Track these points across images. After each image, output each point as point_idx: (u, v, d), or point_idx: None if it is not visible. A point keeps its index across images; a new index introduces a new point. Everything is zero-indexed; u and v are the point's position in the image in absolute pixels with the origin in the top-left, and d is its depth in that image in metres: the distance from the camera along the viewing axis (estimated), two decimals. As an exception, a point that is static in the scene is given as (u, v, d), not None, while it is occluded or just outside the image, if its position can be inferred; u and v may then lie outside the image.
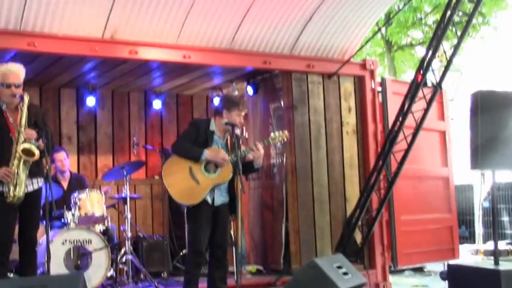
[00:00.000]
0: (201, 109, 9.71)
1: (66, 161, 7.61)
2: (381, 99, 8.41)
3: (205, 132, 5.72)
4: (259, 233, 8.41)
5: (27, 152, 5.09)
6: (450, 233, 8.98)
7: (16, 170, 5.09)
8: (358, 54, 8.40)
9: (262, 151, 5.69)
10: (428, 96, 7.44)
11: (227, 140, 5.83)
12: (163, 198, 8.56)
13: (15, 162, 5.11)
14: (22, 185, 5.14)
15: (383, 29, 18.06)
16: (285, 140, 5.99)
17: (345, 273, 5.39)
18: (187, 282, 5.67)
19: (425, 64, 7.30)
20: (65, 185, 7.57)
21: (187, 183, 5.55)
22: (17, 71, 5.24)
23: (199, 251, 5.56)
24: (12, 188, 5.10)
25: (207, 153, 5.58)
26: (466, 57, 17.65)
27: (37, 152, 5.11)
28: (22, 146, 5.08)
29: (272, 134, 5.93)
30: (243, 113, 5.76)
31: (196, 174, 5.57)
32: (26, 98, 5.20)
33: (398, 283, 9.57)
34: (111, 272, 6.90)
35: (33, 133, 5.14)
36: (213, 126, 5.78)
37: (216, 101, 9.09)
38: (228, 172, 5.69)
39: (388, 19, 14.86)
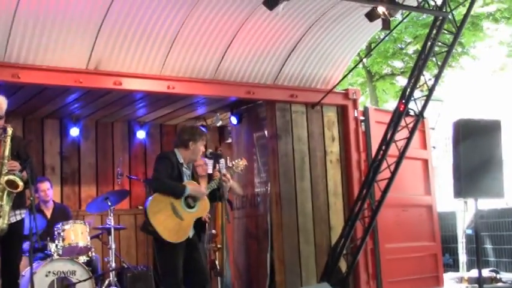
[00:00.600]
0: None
1: (50, 191, 7.58)
2: (363, 128, 8.48)
3: (177, 165, 5.74)
4: (244, 263, 8.38)
5: (11, 184, 5.07)
6: (434, 260, 9.01)
7: (0, 202, 5.06)
8: (340, 84, 8.48)
9: (231, 181, 5.89)
10: (410, 125, 7.52)
11: (192, 170, 5.92)
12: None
13: None
14: (6, 217, 5.10)
15: (364, 59, 18.26)
16: (243, 167, 6.21)
17: (331, 303, 5.38)
18: None
19: (407, 94, 7.39)
20: (48, 214, 7.52)
21: (173, 220, 5.54)
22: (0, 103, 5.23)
23: (178, 283, 5.52)
24: None
25: (190, 189, 5.61)
26: (447, 87, 17.87)
27: (21, 184, 5.09)
28: (6, 177, 5.06)
29: (233, 163, 6.06)
30: (205, 142, 5.90)
31: (179, 210, 5.57)
32: (10, 130, 5.19)
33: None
34: (95, 304, 6.83)
35: (16, 165, 5.12)
36: (180, 158, 5.79)
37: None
38: (206, 204, 5.81)
39: (369, 50, 15.04)
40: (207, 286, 5.73)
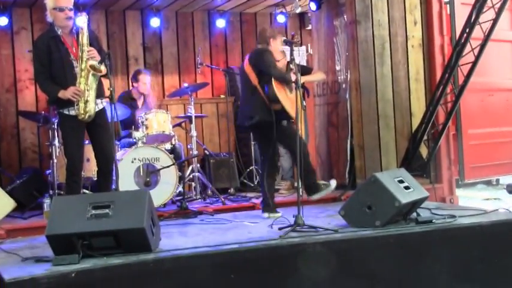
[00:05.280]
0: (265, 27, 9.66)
1: (149, 85, 7.85)
2: (449, 11, 8.15)
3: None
4: (325, 149, 8.46)
5: (94, 69, 5.27)
6: (522, 146, 8.79)
7: (85, 87, 5.28)
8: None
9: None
10: (497, 6, 7.17)
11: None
12: (229, 117, 8.68)
13: (82, 80, 5.29)
14: (93, 102, 5.32)
15: None
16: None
17: (407, 187, 5.39)
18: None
19: (494, -29, 7.01)
20: (140, 104, 7.79)
21: (289, 101, 6.03)
22: None
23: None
24: (83, 106, 5.28)
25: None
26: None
27: (103, 68, 5.27)
28: (90, 62, 5.25)
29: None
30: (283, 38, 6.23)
31: (288, 93, 6.10)
32: (85, 17, 5.33)
33: (469, 196, 9.52)
34: (179, 189, 7.13)
35: (95, 52, 5.29)
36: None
37: (280, 18, 9.05)
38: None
39: None
40: None
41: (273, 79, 5.96)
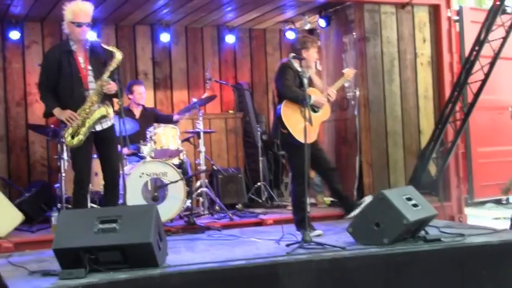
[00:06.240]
0: (274, 43, 9.71)
1: (144, 94, 7.80)
2: (458, 29, 8.16)
3: (298, 74, 5.94)
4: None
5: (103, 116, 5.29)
6: (532, 164, 8.74)
7: (82, 120, 5.23)
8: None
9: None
10: (507, 24, 7.18)
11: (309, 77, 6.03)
12: (238, 132, 8.69)
13: (83, 114, 5.24)
14: (81, 136, 5.24)
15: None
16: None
17: (415, 205, 5.36)
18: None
19: (503, -10, 7.02)
20: (137, 115, 7.74)
21: (303, 124, 5.59)
22: (88, 10, 5.28)
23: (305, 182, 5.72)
24: (69, 136, 5.24)
25: (313, 99, 5.88)
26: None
27: (111, 115, 5.32)
28: (101, 110, 5.26)
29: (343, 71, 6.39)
30: (316, 49, 6.10)
31: (307, 114, 5.69)
32: (119, 54, 5.31)
33: (479, 215, 9.45)
34: (187, 204, 7.11)
35: (114, 87, 5.26)
36: (298, 67, 5.99)
37: (289, 34, 9.06)
38: (327, 108, 6.20)
39: None
40: None
41: (284, 102, 5.84)
